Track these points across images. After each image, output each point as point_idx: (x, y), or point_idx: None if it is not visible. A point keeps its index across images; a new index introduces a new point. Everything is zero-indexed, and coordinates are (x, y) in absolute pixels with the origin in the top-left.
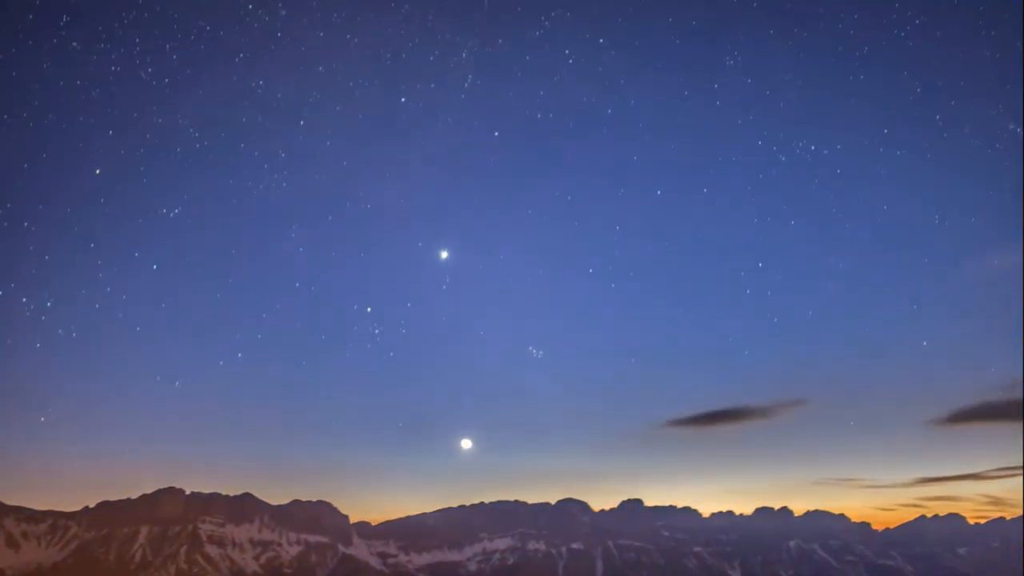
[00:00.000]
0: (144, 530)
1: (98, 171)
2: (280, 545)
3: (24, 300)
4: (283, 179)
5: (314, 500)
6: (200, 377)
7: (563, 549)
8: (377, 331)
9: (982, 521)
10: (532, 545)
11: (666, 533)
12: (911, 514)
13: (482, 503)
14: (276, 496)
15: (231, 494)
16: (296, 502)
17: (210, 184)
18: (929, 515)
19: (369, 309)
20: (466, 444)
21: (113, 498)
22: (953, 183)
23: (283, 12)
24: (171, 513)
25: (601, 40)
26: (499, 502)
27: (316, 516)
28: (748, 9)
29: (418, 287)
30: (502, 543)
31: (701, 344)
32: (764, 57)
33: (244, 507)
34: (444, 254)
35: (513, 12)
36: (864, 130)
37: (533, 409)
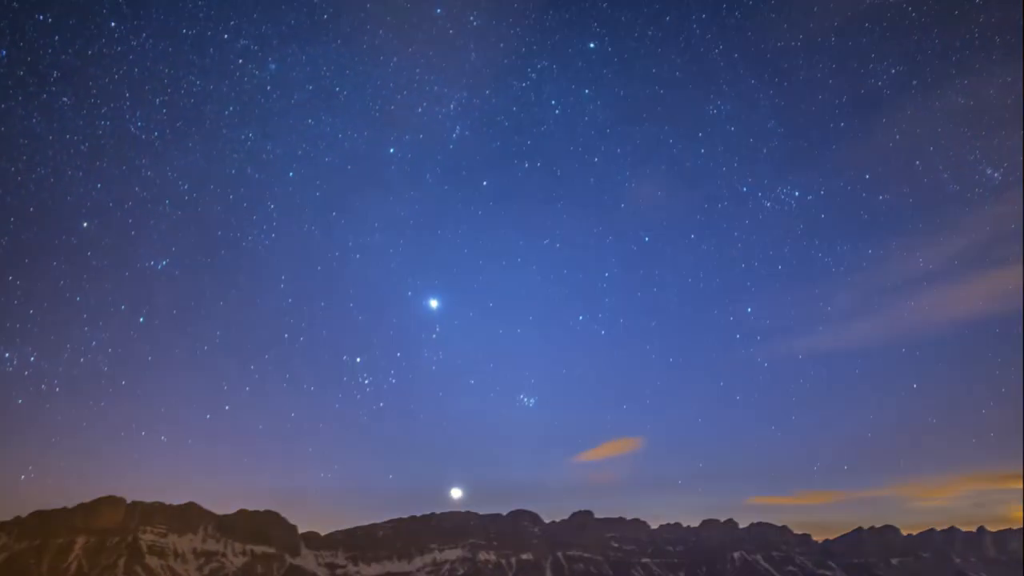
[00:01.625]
0: (80, 540)
1: (85, 224)
2: (225, 556)
3: (7, 355)
4: (272, 230)
5: (261, 510)
6: (186, 430)
7: (513, 560)
8: (367, 381)
9: (914, 533)
10: (483, 556)
11: (615, 544)
12: (850, 526)
13: (433, 514)
14: (222, 505)
15: (175, 503)
16: (242, 511)
17: (198, 236)
18: (866, 527)
19: (359, 359)
20: (456, 493)
21: (48, 507)
22: (933, 227)
23: (273, 67)
24: (110, 523)
25: (586, 91)
26: (450, 513)
27: (263, 526)
28: (729, 60)
29: (408, 337)
30: (452, 554)
31: (690, 387)
32: (746, 106)
33: (188, 516)
34: (434, 303)
35: (499, 65)
36: (846, 176)
37: (523, 455)
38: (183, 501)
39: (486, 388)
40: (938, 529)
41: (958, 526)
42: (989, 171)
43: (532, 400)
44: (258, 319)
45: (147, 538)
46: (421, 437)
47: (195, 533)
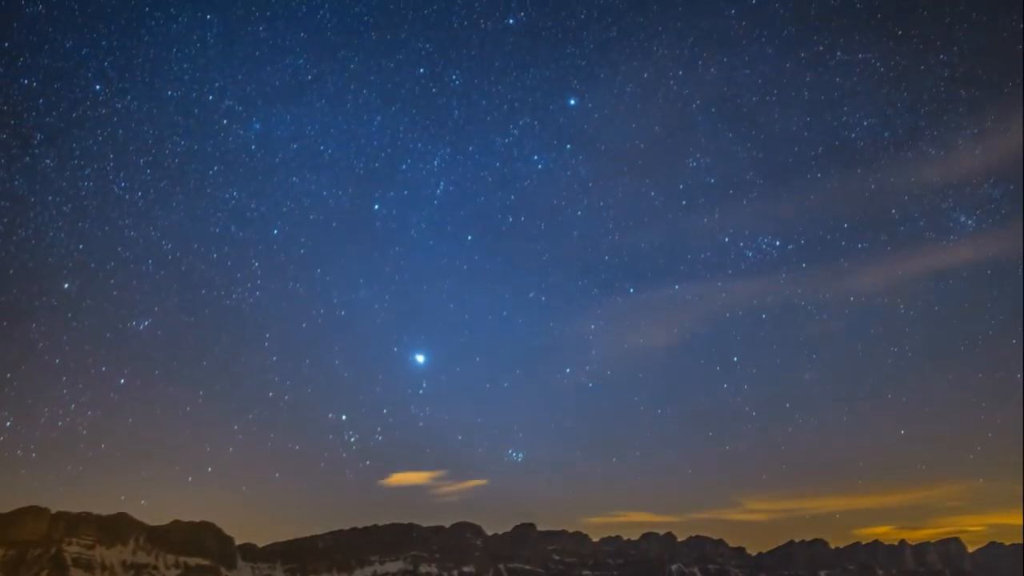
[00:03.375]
0: None
1: (66, 285)
2: (156, 568)
3: None
4: (256, 288)
5: (196, 520)
6: (167, 495)
7: (455, 572)
8: (353, 439)
9: (842, 546)
10: (424, 568)
11: (556, 557)
12: (783, 539)
13: (375, 525)
14: (155, 516)
15: (104, 513)
16: (176, 522)
17: (181, 295)
18: (798, 540)
19: (344, 417)
20: None
21: None
22: (913, 274)
23: (257, 126)
24: (33, 534)
25: (568, 146)
26: (392, 525)
27: (197, 537)
28: (707, 114)
29: (394, 393)
30: (393, 566)
31: (680, 437)
32: (725, 158)
33: (117, 527)
34: (420, 358)
35: (483, 122)
36: (825, 225)
37: (517, 507)
38: (113, 511)
39: (474, 443)
40: (863, 543)
41: (880, 540)
42: (963, 218)
43: (520, 455)
44: (242, 378)
45: (72, 550)
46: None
47: (125, 544)
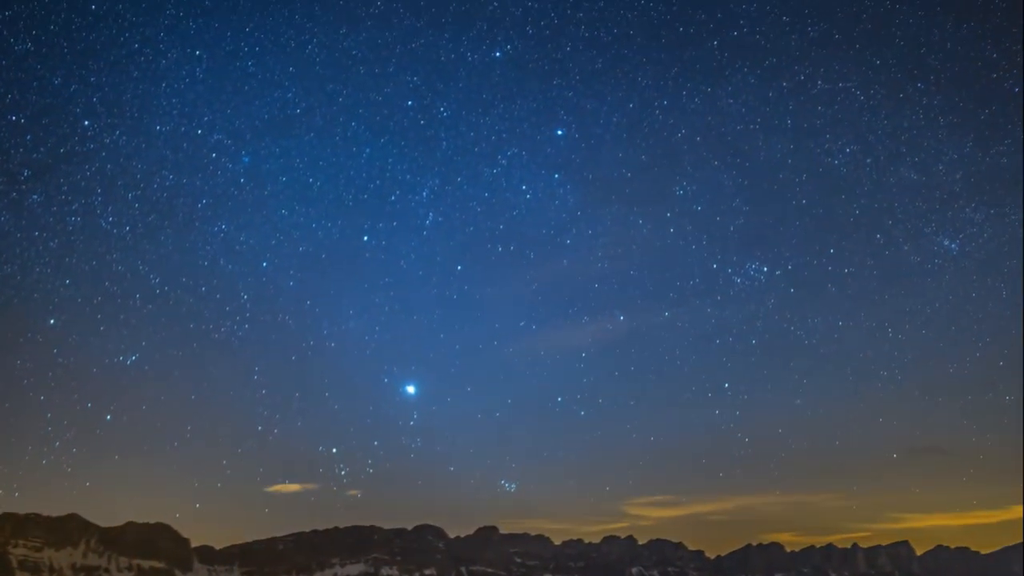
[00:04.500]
0: None
1: (52, 321)
2: (108, 571)
3: None
4: (245, 321)
5: (151, 522)
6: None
7: (417, 575)
8: (343, 472)
9: (797, 550)
10: (386, 571)
11: (519, 560)
12: (741, 543)
13: (336, 528)
14: (108, 517)
15: (53, 514)
16: (131, 524)
17: (169, 330)
18: (755, 544)
19: (335, 450)
20: None
21: None
22: (898, 297)
23: (246, 159)
24: None
25: (556, 175)
26: (353, 527)
27: (152, 539)
28: (692, 143)
29: (385, 424)
30: (354, 569)
31: (673, 465)
32: (711, 186)
33: (67, 529)
34: (411, 389)
35: (470, 153)
36: (811, 250)
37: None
38: (63, 512)
39: (466, 474)
40: (817, 546)
41: (835, 543)
42: (946, 242)
43: (513, 485)
44: (231, 412)
45: (19, 552)
46: (400, 526)
47: (75, 547)
